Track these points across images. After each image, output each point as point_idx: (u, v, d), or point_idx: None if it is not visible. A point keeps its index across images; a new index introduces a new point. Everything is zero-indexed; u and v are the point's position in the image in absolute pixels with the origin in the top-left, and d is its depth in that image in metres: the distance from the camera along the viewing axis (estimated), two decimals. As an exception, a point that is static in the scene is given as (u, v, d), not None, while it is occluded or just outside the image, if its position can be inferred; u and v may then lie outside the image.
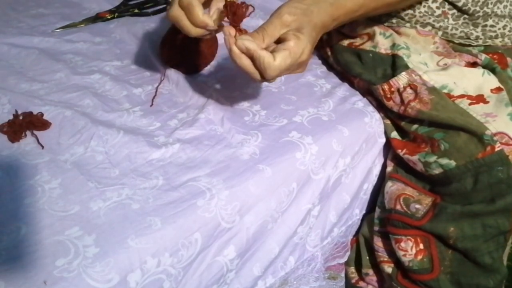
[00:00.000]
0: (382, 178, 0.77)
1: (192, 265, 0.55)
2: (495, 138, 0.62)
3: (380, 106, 0.75)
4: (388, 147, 0.76)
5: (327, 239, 0.71)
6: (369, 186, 0.76)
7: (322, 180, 0.67)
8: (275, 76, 0.54)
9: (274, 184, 0.61)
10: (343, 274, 0.82)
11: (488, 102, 0.66)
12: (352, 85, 0.80)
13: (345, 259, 0.78)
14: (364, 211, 0.78)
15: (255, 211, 0.60)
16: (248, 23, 0.62)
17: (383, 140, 0.75)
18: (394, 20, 0.76)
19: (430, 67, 0.70)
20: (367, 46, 0.76)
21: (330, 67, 0.85)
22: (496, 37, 0.74)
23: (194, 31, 0.56)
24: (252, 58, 0.53)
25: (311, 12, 0.56)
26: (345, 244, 0.76)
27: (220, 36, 0.83)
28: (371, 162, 0.74)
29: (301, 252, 0.68)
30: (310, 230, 0.68)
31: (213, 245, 0.57)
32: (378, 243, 0.75)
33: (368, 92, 0.77)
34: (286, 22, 0.54)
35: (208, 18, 0.55)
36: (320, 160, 0.66)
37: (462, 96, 0.67)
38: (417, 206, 0.69)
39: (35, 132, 0.65)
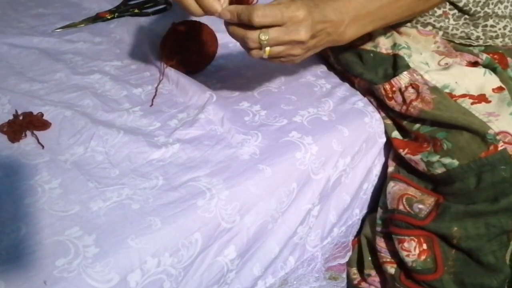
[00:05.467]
0: (383, 178, 0.77)
1: (192, 265, 0.55)
2: (498, 137, 0.62)
3: (381, 106, 0.75)
4: (389, 147, 0.76)
5: (327, 239, 0.71)
6: (369, 186, 0.76)
7: (322, 180, 0.66)
8: (261, 19, 0.53)
9: (274, 184, 0.61)
10: (344, 275, 0.81)
11: (490, 101, 0.66)
12: (352, 85, 0.80)
13: (346, 259, 0.78)
14: (364, 211, 0.78)
15: (255, 211, 0.60)
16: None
17: (383, 140, 0.75)
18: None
19: (432, 66, 0.70)
20: (368, 46, 0.76)
21: (330, 67, 0.85)
22: (497, 37, 0.74)
23: (199, 12, 0.56)
24: (239, 17, 0.54)
25: None
26: (345, 244, 0.76)
27: (220, 36, 0.83)
28: (371, 162, 0.74)
29: (301, 252, 0.67)
30: (310, 230, 0.68)
31: (213, 245, 0.57)
32: (380, 243, 0.75)
33: (369, 92, 0.77)
34: None
35: (218, 3, 0.55)
36: (320, 160, 0.66)
37: (464, 95, 0.67)
38: (420, 206, 0.69)
39: (35, 132, 0.65)
